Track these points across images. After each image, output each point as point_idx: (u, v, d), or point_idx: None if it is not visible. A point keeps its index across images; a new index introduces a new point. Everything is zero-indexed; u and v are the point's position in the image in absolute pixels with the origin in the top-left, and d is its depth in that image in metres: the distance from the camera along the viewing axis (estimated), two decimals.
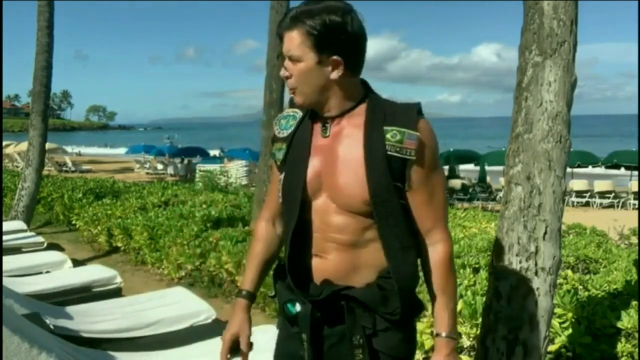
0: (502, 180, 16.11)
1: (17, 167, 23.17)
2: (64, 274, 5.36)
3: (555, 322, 3.01)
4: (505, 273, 2.41)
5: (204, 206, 7.46)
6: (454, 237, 5.28)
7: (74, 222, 8.36)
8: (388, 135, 1.45)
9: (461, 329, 3.12)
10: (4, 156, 25.50)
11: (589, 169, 19.21)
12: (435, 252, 1.53)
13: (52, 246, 7.03)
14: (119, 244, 6.98)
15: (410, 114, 1.48)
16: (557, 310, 3.04)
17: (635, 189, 16.68)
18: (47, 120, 9.17)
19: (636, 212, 13.98)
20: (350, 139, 1.50)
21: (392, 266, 1.48)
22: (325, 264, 1.53)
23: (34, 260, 5.73)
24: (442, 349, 1.53)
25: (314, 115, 1.57)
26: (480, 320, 2.71)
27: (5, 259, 5.49)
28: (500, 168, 15.61)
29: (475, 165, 18.48)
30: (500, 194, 14.32)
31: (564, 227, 5.19)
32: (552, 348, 2.97)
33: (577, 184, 17.64)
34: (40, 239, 6.92)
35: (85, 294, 4.80)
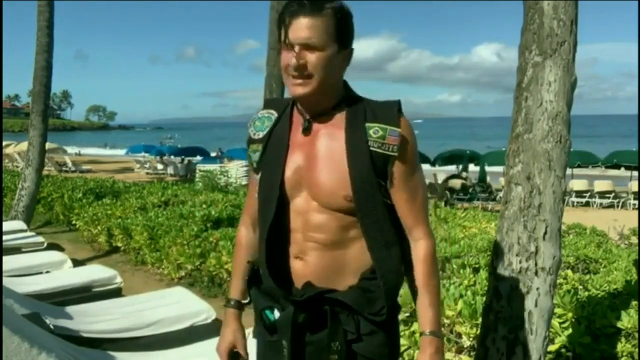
0: (502, 180, 16.12)
1: (17, 167, 23.16)
2: (64, 274, 5.36)
3: (555, 322, 3.01)
4: (505, 273, 2.41)
5: (204, 206, 7.46)
6: (454, 237, 5.28)
7: (74, 222, 8.36)
8: (370, 132, 1.46)
9: (461, 329, 3.12)
10: (4, 156, 25.49)
11: (589, 169, 19.21)
12: (418, 249, 1.52)
13: (52, 246, 7.03)
14: (119, 244, 6.97)
15: (391, 111, 1.49)
16: (557, 310, 3.04)
17: (635, 189, 16.67)
18: (47, 120, 9.17)
19: (636, 212, 13.98)
20: (332, 136, 1.49)
21: (376, 262, 1.47)
22: (305, 266, 1.49)
23: (34, 260, 5.73)
24: (427, 348, 1.48)
25: (291, 113, 1.56)
26: (480, 320, 2.71)
27: (5, 259, 5.49)
28: (500, 168, 15.63)
29: (475, 165, 18.47)
30: (500, 194, 14.32)
31: (564, 227, 5.19)
32: (552, 348, 2.97)
33: (577, 184, 17.64)
34: (40, 239, 6.92)
35: (85, 294, 4.80)
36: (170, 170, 24.90)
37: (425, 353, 1.47)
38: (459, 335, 3.14)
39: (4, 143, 25.93)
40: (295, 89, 1.46)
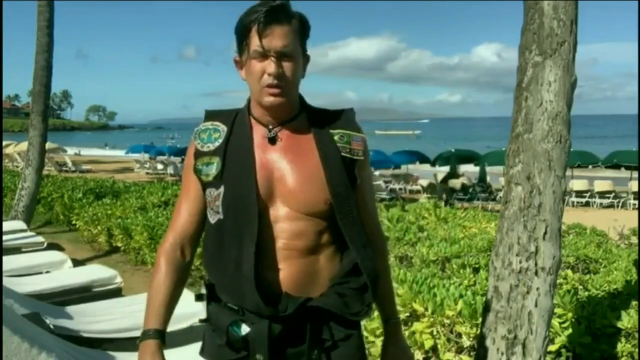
0: (502, 180, 16.11)
1: (17, 167, 23.17)
2: (64, 274, 5.36)
3: (555, 322, 3.01)
4: (505, 273, 2.41)
5: None
6: (454, 237, 5.29)
7: (74, 222, 8.36)
8: (336, 138, 1.50)
9: (461, 329, 3.12)
10: (4, 156, 25.50)
11: (589, 169, 19.21)
12: (380, 245, 1.64)
13: (52, 246, 7.03)
14: (119, 244, 6.98)
15: (349, 117, 1.55)
16: (557, 310, 3.04)
17: (635, 189, 16.66)
18: (47, 120, 9.18)
19: (636, 212, 13.98)
20: (300, 143, 1.50)
21: (360, 261, 1.49)
22: (281, 276, 1.45)
23: (33, 260, 5.73)
24: (397, 332, 1.68)
25: (243, 123, 1.51)
26: (480, 320, 2.71)
27: (5, 259, 5.49)
28: (500, 168, 15.62)
29: (475, 165, 18.48)
30: (500, 194, 14.32)
31: (564, 227, 5.19)
32: (552, 348, 2.97)
33: (577, 184, 17.64)
34: (40, 239, 6.93)
35: (85, 294, 4.80)
36: (170, 170, 24.90)
37: (396, 336, 1.67)
38: (459, 335, 3.14)
39: (4, 143, 25.93)
40: (273, 99, 1.44)
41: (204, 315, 1.56)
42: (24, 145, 21.08)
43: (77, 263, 6.14)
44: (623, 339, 3.01)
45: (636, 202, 16.17)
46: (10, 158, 26.85)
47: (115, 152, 45.09)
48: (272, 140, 1.49)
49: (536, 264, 2.36)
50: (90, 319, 3.90)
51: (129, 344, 3.60)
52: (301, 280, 1.47)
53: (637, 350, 2.94)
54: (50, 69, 9.04)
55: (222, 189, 1.47)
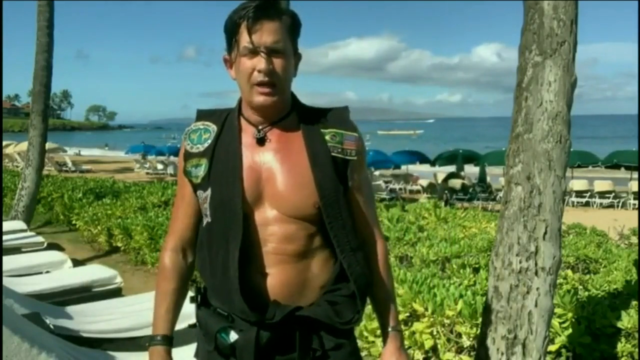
0: (502, 180, 16.11)
1: (17, 167, 23.17)
2: (64, 274, 5.36)
3: (555, 322, 3.01)
4: (505, 273, 2.41)
5: None
6: (454, 237, 5.29)
7: (74, 222, 8.36)
8: (327, 137, 1.45)
9: (461, 329, 3.12)
10: (4, 156, 25.50)
11: (589, 169, 19.21)
12: (378, 249, 1.54)
13: (52, 246, 7.02)
14: (119, 244, 6.97)
15: (343, 116, 1.49)
16: (557, 310, 3.04)
17: (635, 189, 16.66)
18: (47, 120, 9.17)
19: (636, 212, 13.98)
20: (289, 144, 1.45)
21: (347, 267, 1.43)
22: (271, 281, 1.41)
23: (33, 260, 5.73)
24: (395, 342, 1.52)
25: (233, 124, 1.47)
26: (480, 320, 2.71)
27: (5, 259, 5.49)
28: (501, 168, 15.62)
29: (475, 165, 18.48)
30: (500, 194, 14.32)
31: (564, 227, 5.19)
32: (552, 348, 2.97)
33: (577, 184, 17.63)
34: (40, 239, 6.92)
35: (85, 294, 4.80)
36: (170, 170, 24.90)
37: (393, 346, 1.51)
38: (459, 335, 3.14)
39: (4, 143, 25.94)
40: (264, 99, 1.40)
41: (193, 321, 1.54)
42: (24, 145, 21.08)
43: (77, 263, 6.13)
44: (623, 339, 3.01)
45: (636, 202, 16.17)
46: (10, 158, 26.85)
47: (115, 153, 45.07)
48: (261, 141, 1.45)
49: (536, 264, 2.36)
50: (90, 319, 3.90)
51: (129, 344, 3.60)
52: (291, 287, 1.42)
53: (637, 350, 2.94)
54: (50, 69, 9.04)
55: (209, 191, 1.44)
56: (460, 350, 3.14)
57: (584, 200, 17.42)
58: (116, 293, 4.96)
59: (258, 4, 1.37)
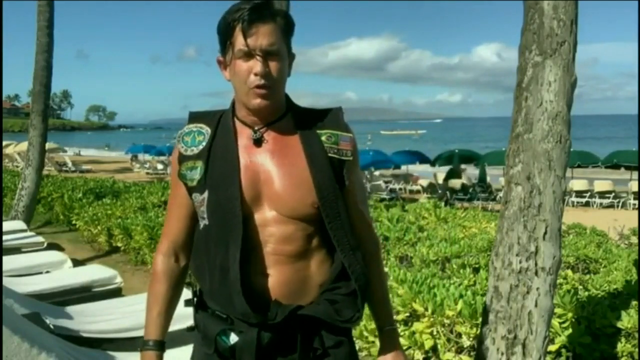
0: (502, 180, 16.10)
1: (17, 167, 23.17)
2: (64, 274, 5.36)
3: (555, 322, 3.01)
4: (505, 273, 2.41)
5: None
6: (454, 237, 5.29)
7: (74, 222, 8.36)
8: (323, 138, 1.45)
9: (461, 329, 3.12)
10: (4, 156, 25.50)
11: (589, 169, 19.21)
12: (372, 247, 1.56)
13: (52, 246, 7.03)
14: (119, 244, 6.98)
15: (337, 116, 1.50)
16: (557, 310, 3.04)
17: (635, 189, 16.66)
18: (47, 120, 9.18)
19: (636, 212, 13.98)
20: (286, 145, 1.45)
21: (348, 266, 1.44)
22: (271, 282, 1.41)
23: (33, 260, 5.73)
24: (392, 340, 1.56)
25: (228, 125, 1.47)
26: (480, 320, 2.71)
27: (5, 259, 5.49)
28: (500, 168, 15.61)
29: (475, 165, 18.48)
30: (500, 194, 14.32)
31: (564, 227, 5.19)
32: (552, 348, 2.97)
33: (577, 184, 17.63)
34: (40, 239, 6.93)
35: (85, 294, 4.80)
36: (170, 170, 24.87)
37: (391, 344, 1.55)
38: (459, 335, 3.14)
39: (4, 143, 25.94)
40: (260, 101, 1.39)
41: (191, 323, 1.54)
42: (24, 145, 21.09)
43: (77, 263, 6.14)
44: (623, 339, 3.01)
45: (636, 202, 16.17)
46: (10, 158, 26.85)
47: (115, 153, 45.06)
48: (258, 142, 1.45)
49: (536, 264, 2.36)
50: (90, 319, 3.90)
51: (129, 344, 3.60)
52: (291, 287, 1.42)
53: (637, 350, 2.94)
54: (50, 69, 9.04)
55: (206, 194, 1.43)
56: (460, 350, 3.14)
57: (584, 200, 17.42)
58: (116, 293, 4.96)
59: (252, 6, 1.36)
